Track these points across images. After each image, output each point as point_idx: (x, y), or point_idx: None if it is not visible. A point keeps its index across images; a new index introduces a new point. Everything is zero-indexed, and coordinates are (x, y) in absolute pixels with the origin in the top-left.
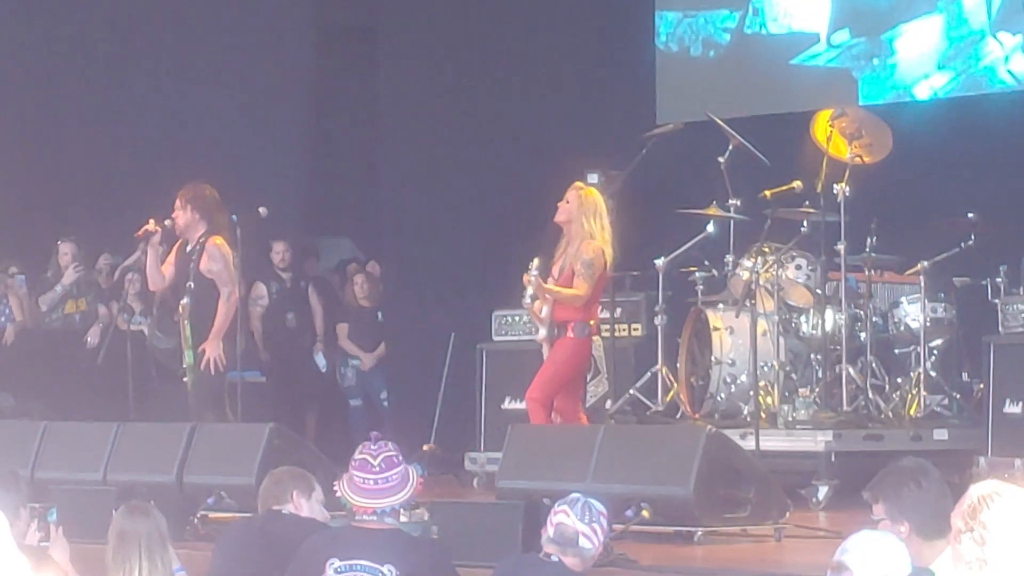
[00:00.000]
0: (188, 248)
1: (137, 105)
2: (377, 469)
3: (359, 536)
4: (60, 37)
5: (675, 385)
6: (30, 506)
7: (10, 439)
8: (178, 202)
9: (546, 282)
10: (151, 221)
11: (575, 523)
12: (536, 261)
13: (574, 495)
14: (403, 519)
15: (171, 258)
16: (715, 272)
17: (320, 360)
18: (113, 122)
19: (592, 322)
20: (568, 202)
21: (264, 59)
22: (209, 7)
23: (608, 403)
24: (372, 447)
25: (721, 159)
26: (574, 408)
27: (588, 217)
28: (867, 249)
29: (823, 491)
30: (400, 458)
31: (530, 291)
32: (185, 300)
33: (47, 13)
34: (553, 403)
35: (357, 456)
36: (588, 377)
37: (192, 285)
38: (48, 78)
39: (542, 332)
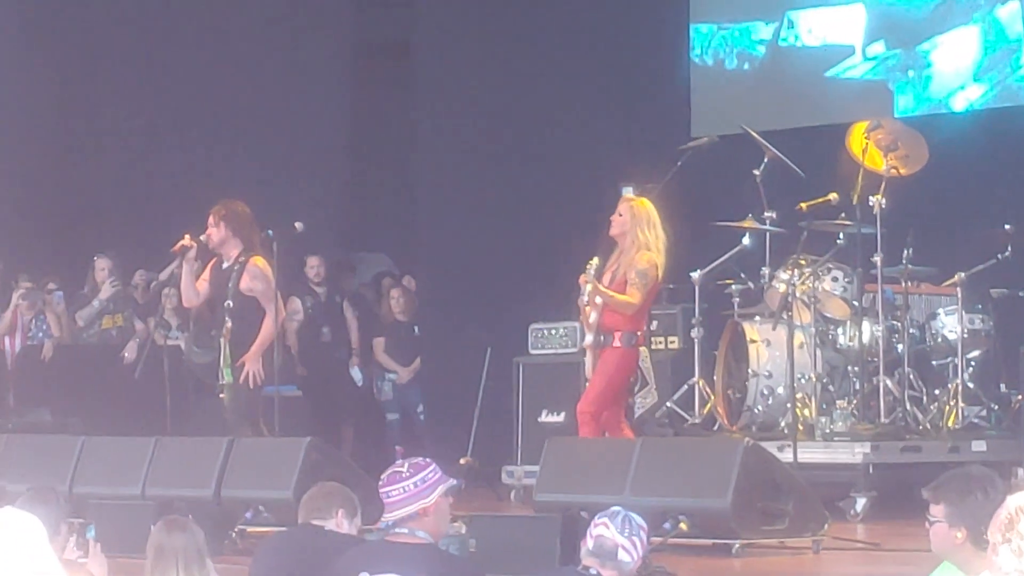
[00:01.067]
0: (224, 265)
1: (174, 121)
2: (383, 483)
3: (391, 550)
4: (97, 54)
5: (712, 397)
6: (69, 521)
7: (48, 454)
8: (211, 218)
9: None
10: (187, 236)
11: (615, 536)
12: (595, 261)
13: (614, 508)
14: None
15: (206, 274)
16: (751, 284)
17: (356, 374)
18: (150, 138)
19: (640, 332)
20: (621, 215)
21: (301, 75)
22: (246, 24)
23: (656, 414)
24: (397, 462)
25: (757, 172)
26: (617, 419)
27: (642, 228)
28: (904, 261)
29: (861, 503)
30: (409, 475)
31: (588, 288)
32: (229, 323)
33: (85, 32)
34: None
35: None
36: (636, 388)
37: (231, 304)
38: (85, 95)
39: (588, 338)
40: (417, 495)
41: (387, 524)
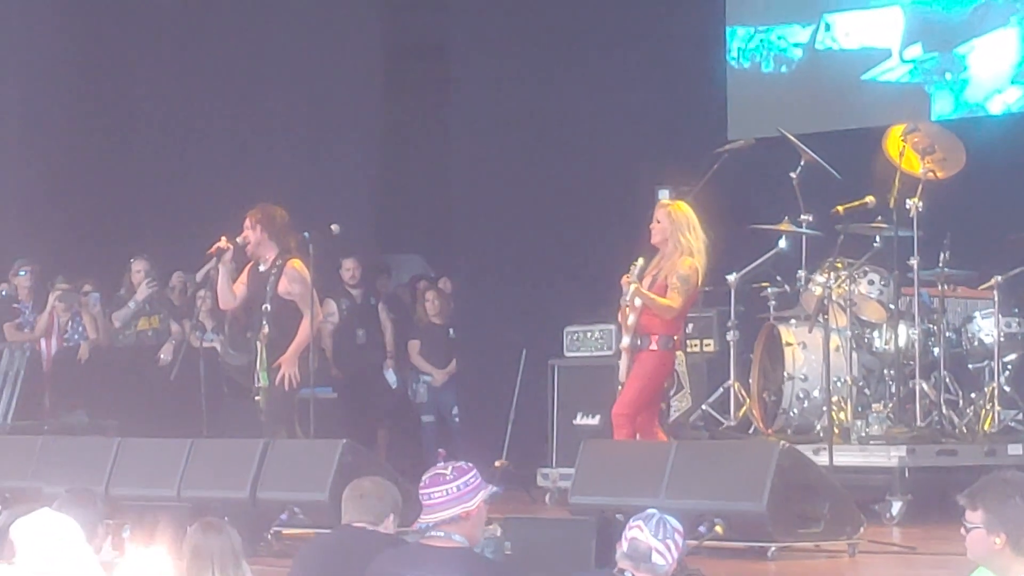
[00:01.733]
0: (261, 269)
1: (209, 123)
2: (422, 485)
3: (428, 553)
4: (133, 57)
5: (747, 401)
6: (106, 523)
7: (85, 456)
8: (248, 221)
9: None
10: (223, 238)
11: (649, 539)
12: (640, 262)
13: (649, 511)
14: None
15: (243, 277)
16: (787, 287)
17: (390, 376)
18: (186, 141)
19: (676, 337)
20: (659, 221)
21: (335, 77)
22: (280, 27)
23: (691, 417)
24: (438, 464)
25: (793, 174)
26: (651, 423)
27: (683, 232)
28: (940, 264)
29: (897, 506)
30: (452, 477)
31: (632, 289)
32: (267, 327)
33: (121, 35)
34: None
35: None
36: (671, 392)
37: (269, 308)
38: (121, 97)
39: (625, 340)
40: (459, 499)
41: (426, 526)
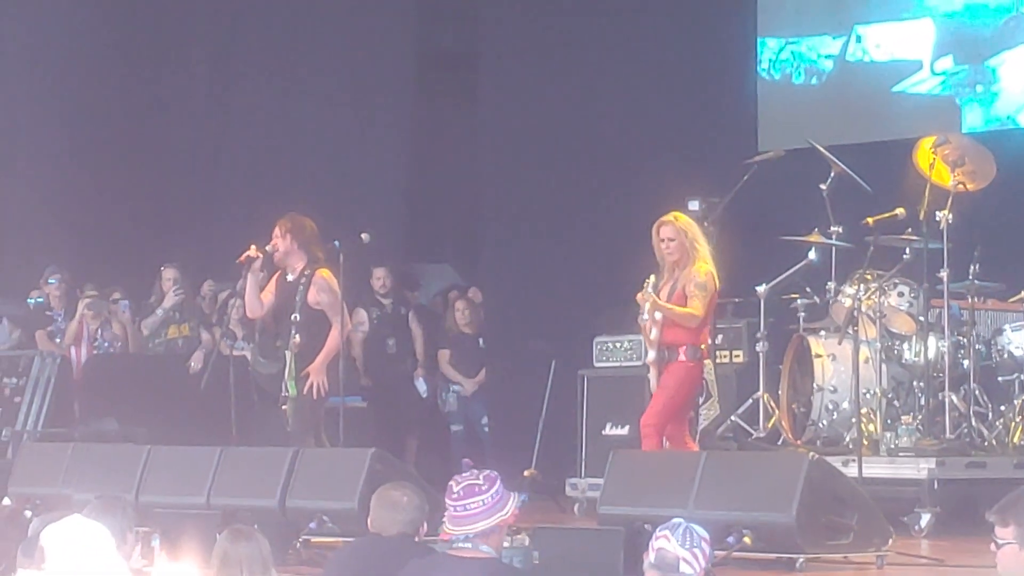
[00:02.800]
0: (290, 278)
1: (240, 133)
2: (456, 496)
3: (453, 564)
4: (165, 65)
5: (777, 412)
6: (135, 530)
7: (115, 464)
8: (277, 230)
9: None
10: (252, 247)
11: (676, 548)
12: (652, 278)
13: (676, 520)
14: (505, 544)
15: (271, 286)
16: (817, 299)
17: (421, 385)
18: (217, 150)
19: (704, 346)
20: (672, 239)
21: (366, 87)
22: (311, 36)
23: (720, 427)
24: (461, 476)
25: (823, 186)
26: (681, 433)
27: (697, 241)
28: (970, 276)
29: (925, 518)
30: (487, 487)
31: (647, 307)
32: (297, 337)
33: (152, 45)
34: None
35: (450, 483)
36: (700, 401)
37: (298, 317)
38: (152, 105)
39: (651, 355)
40: (495, 508)
41: (464, 537)
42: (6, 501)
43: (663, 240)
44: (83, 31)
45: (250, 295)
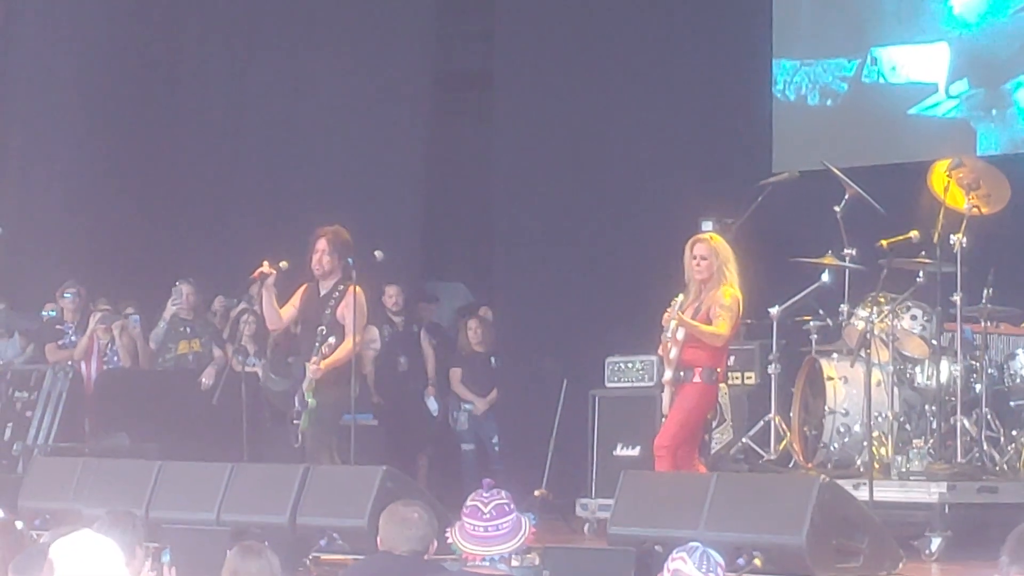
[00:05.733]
0: (323, 291)
1: (255, 149)
2: (487, 516)
3: None
4: (179, 83)
5: (788, 434)
6: (145, 545)
7: (125, 479)
8: (322, 243)
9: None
10: (265, 263)
11: (692, 571)
12: (680, 297)
13: (692, 543)
14: (514, 564)
15: (295, 300)
16: (829, 321)
17: (432, 404)
18: (232, 167)
19: (719, 369)
20: (705, 258)
21: (381, 105)
22: (326, 53)
23: (731, 449)
24: (484, 494)
25: (837, 208)
26: (691, 455)
27: (728, 264)
28: (983, 300)
29: (936, 543)
30: (512, 506)
31: (673, 325)
32: (324, 349)
33: (166, 59)
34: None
35: (469, 503)
36: (713, 425)
37: (324, 330)
38: (167, 123)
39: (667, 374)
40: (520, 526)
41: (500, 556)
42: None
43: (695, 257)
44: (99, 46)
45: (267, 308)
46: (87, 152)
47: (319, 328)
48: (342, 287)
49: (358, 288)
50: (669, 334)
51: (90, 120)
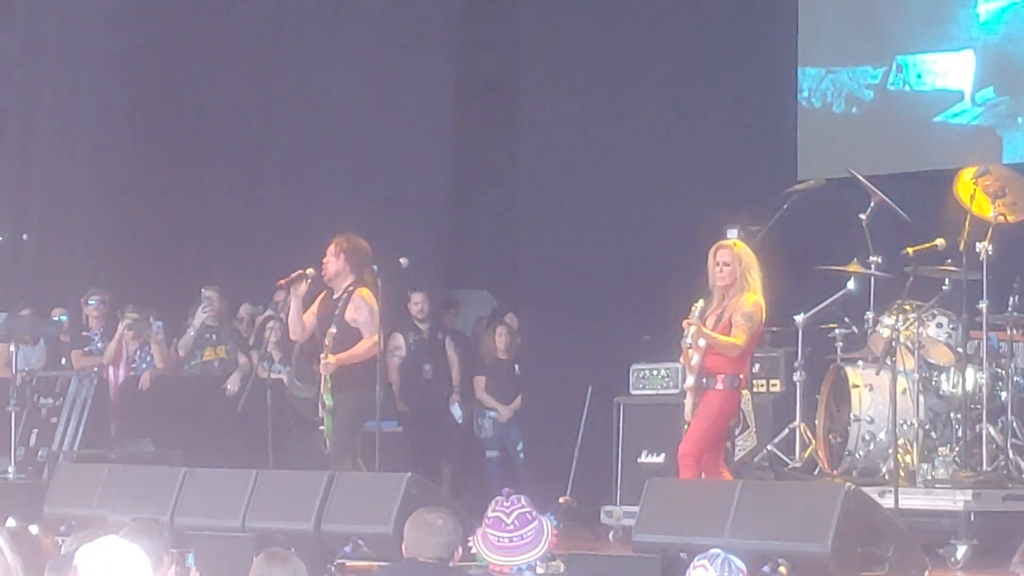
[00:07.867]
0: (334, 296)
1: (281, 157)
2: (511, 527)
3: None
4: (204, 88)
5: (813, 442)
6: (171, 552)
7: (150, 485)
8: (333, 248)
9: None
10: (301, 271)
11: None
12: (700, 303)
13: (713, 550)
14: (540, 571)
15: (314, 308)
16: (855, 329)
17: (456, 411)
18: (257, 174)
19: (742, 376)
20: (728, 264)
21: (406, 113)
22: (352, 63)
23: (756, 457)
24: (504, 504)
25: (863, 216)
26: (716, 462)
27: (751, 271)
28: (1009, 308)
29: (961, 551)
30: (533, 513)
31: (691, 332)
32: (331, 356)
33: (192, 69)
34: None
35: (490, 513)
36: (737, 431)
37: (335, 331)
38: (193, 130)
39: (689, 380)
40: (543, 531)
41: (529, 564)
42: (10, 523)
43: (718, 264)
44: (125, 51)
45: (293, 317)
46: (111, 159)
47: (329, 330)
48: (351, 289)
49: (364, 290)
50: (690, 340)
51: (114, 127)
